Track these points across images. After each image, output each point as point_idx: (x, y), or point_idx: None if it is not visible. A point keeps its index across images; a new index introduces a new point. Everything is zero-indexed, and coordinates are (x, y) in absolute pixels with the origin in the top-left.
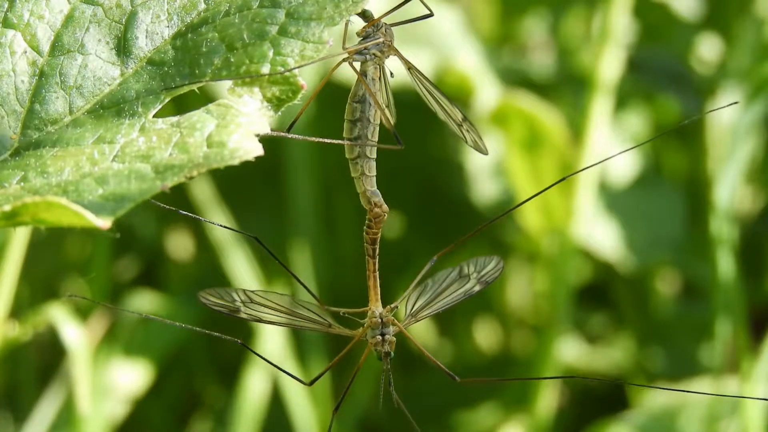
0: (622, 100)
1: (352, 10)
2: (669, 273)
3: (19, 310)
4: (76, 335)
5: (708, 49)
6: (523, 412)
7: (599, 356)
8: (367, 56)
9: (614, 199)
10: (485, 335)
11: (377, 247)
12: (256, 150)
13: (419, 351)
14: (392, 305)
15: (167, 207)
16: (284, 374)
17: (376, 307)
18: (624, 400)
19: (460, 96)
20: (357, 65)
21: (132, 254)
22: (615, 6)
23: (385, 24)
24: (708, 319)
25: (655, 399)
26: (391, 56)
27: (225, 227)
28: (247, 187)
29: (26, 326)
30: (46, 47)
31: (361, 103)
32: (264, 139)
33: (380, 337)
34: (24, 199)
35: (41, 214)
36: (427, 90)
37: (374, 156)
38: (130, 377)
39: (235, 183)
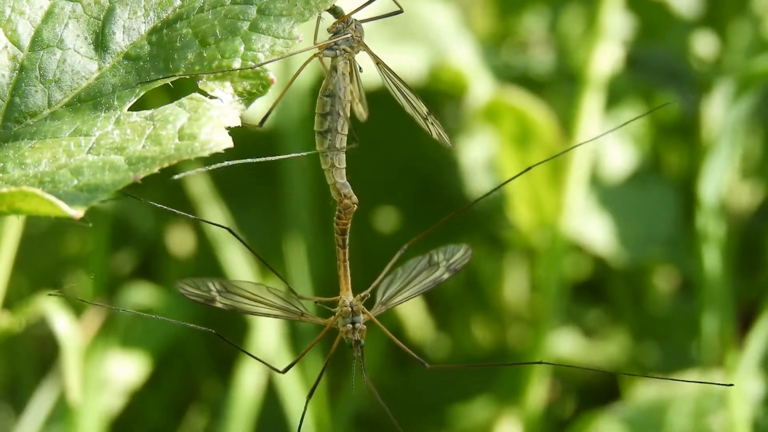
0: (619, 96)
1: (322, 6)
2: (664, 269)
3: (16, 304)
4: (68, 327)
5: (705, 46)
6: (517, 405)
7: (594, 350)
8: (337, 51)
9: (607, 195)
10: (482, 330)
11: (347, 237)
12: (226, 142)
13: (395, 339)
14: (362, 294)
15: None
16: (280, 362)
17: (346, 296)
18: (618, 394)
19: (453, 92)
20: (327, 61)
21: (130, 248)
22: (607, 2)
23: (355, 20)
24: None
25: (645, 392)
26: (360, 51)
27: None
28: (242, 183)
29: (18, 317)
30: (26, 42)
31: (331, 97)
32: (261, 136)
33: (351, 326)
34: (1, 189)
35: (17, 204)
36: (394, 85)
37: (344, 147)
38: (127, 370)
39: (231, 179)
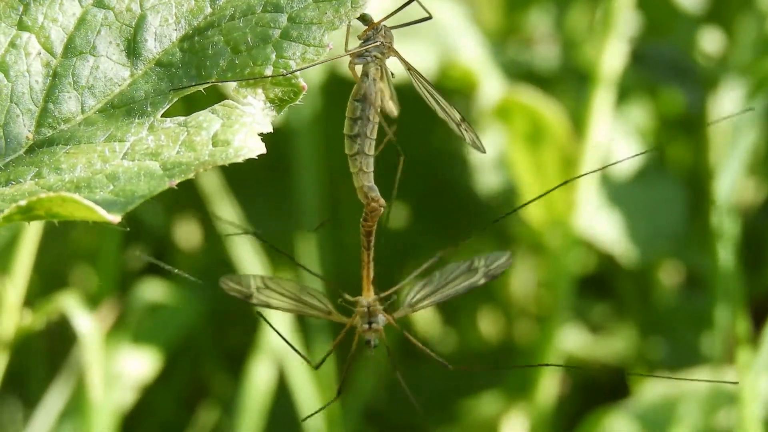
0: (626, 93)
1: (352, 14)
2: (671, 264)
3: (28, 299)
4: (88, 324)
5: (710, 42)
6: (525, 401)
7: (601, 346)
8: (368, 58)
9: (616, 191)
10: (489, 325)
11: (373, 239)
12: (259, 148)
13: (414, 341)
14: (383, 295)
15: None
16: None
17: (366, 296)
18: (626, 390)
19: (463, 89)
20: (359, 67)
21: (141, 244)
22: (613, 3)
23: (385, 26)
24: (709, 310)
25: (654, 388)
26: (391, 57)
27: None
28: (253, 178)
29: (39, 315)
30: (59, 49)
31: (362, 102)
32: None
33: (367, 326)
34: (39, 194)
35: (55, 209)
36: (426, 90)
37: (372, 153)
38: (138, 365)
39: (242, 175)
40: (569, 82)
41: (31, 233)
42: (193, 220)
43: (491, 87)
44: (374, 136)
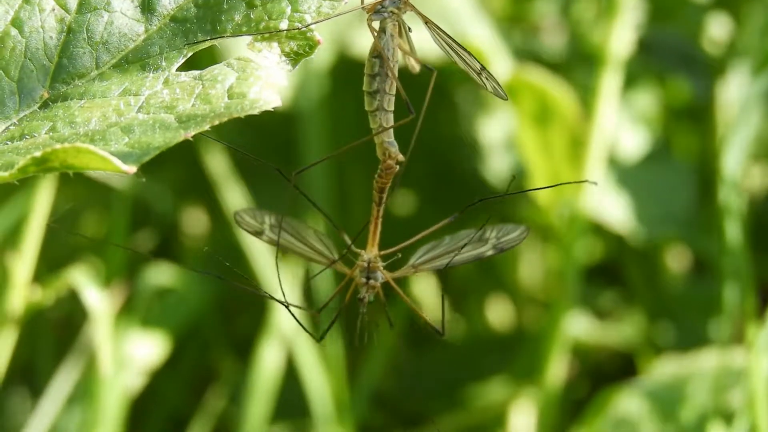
0: (633, 79)
1: None
2: (678, 249)
3: (39, 277)
4: (98, 299)
5: (718, 29)
6: (533, 386)
7: (609, 331)
8: (385, 13)
9: (624, 174)
10: (497, 311)
11: (384, 196)
12: (275, 101)
13: (408, 301)
14: (385, 252)
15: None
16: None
17: (369, 251)
18: (634, 374)
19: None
20: (376, 23)
21: (148, 228)
22: None
23: None
24: (717, 294)
25: (663, 369)
26: (408, 11)
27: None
28: (260, 155)
29: (48, 290)
30: (73, 5)
31: (380, 58)
32: (279, 113)
33: (364, 280)
34: (54, 146)
35: (70, 160)
36: (445, 42)
37: (392, 109)
38: (146, 350)
39: (249, 157)
40: (576, 69)
41: (40, 209)
42: (201, 205)
43: (500, 66)
44: (393, 91)
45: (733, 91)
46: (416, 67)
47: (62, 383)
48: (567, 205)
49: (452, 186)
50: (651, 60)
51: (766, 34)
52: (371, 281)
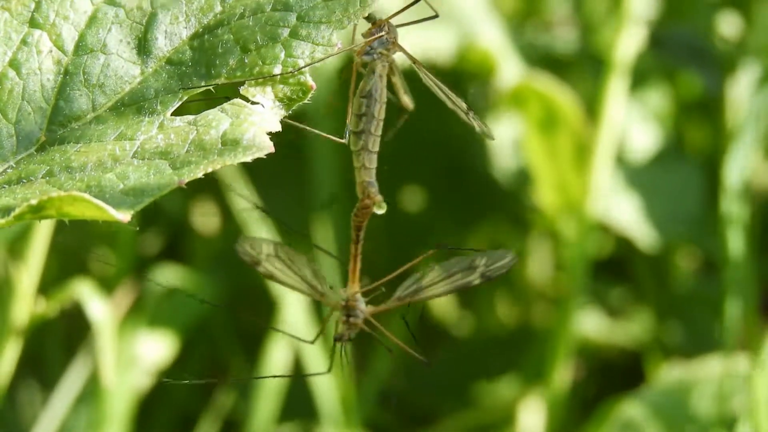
0: (644, 77)
1: (360, 13)
2: (688, 248)
3: (46, 284)
4: (102, 311)
5: (729, 25)
6: (542, 385)
7: (618, 330)
8: (374, 55)
9: (633, 175)
10: (506, 308)
11: (362, 234)
12: (268, 147)
13: (386, 335)
14: (365, 289)
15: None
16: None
17: (351, 288)
18: (642, 373)
19: (482, 73)
20: (366, 64)
21: (157, 228)
22: None
23: (389, 23)
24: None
25: (669, 374)
26: (397, 53)
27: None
28: (270, 163)
29: (53, 302)
30: (70, 47)
31: (368, 98)
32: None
33: (345, 318)
34: (50, 193)
35: (65, 208)
36: (433, 83)
37: (376, 150)
38: (155, 349)
39: (259, 159)
40: (588, 65)
41: (46, 226)
42: (211, 205)
43: (509, 71)
44: (379, 132)
45: (742, 90)
46: (410, 106)
47: (72, 379)
48: (573, 210)
49: (461, 186)
50: (662, 57)
51: None
52: (351, 318)
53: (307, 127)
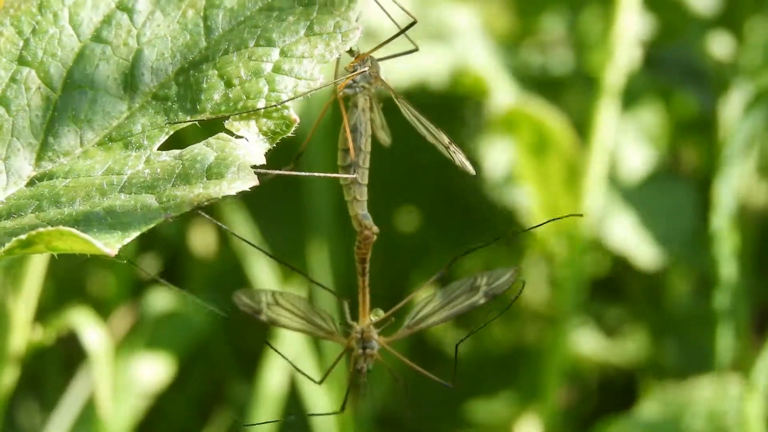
0: (638, 96)
1: (342, 48)
2: (684, 268)
3: (43, 308)
4: (98, 339)
5: (722, 45)
6: (538, 404)
7: (614, 349)
8: (357, 89)
9: (627, 196)
10: (501, 327)
11: (367, 266)
12: (252, 181)
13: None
14: (377, 320)
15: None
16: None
17: (363, 321)
18: (638, 391)
19: (474, 96)
20: (349, 98)
21: (155, 251)
22: (623, 5)
23: (371, 57)
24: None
25: (663, 394)
26: (378, 87)
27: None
28: (267, 190)
29: (49, 330)
30: (58, 83)
31: (353, 133)
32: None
33: (361, 351)
34: (39, 228)
35: (54, 242)
36: (414, 117)
37: (366, 182)
38: (153, 371)
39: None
40: (581, 85)
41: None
42: (208, 228)
43: (502, 95)
44: (367, 165)
45: (735, 109)
46: (387, 141)
47: (72, 400)
48: (565, 234)
49: (456, 208)
50: (656, 76)
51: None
52: (368, 350)
53: (316, 173)
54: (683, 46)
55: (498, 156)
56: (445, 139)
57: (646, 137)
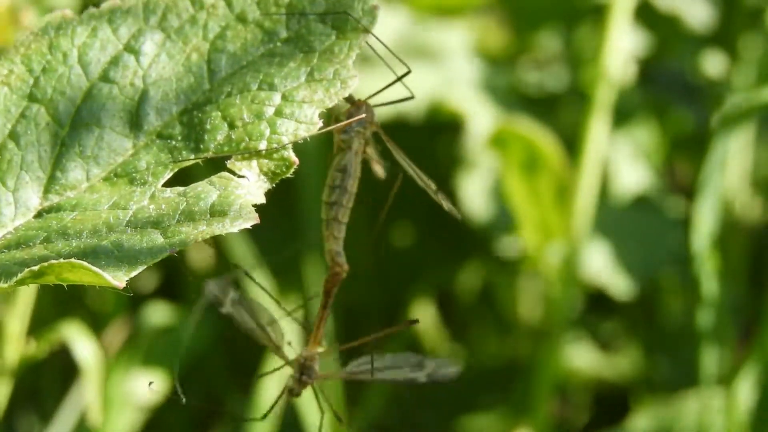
0: (633, 113)
1: (341, 94)
2: (676, 284)
3: (41, 322)
4: (90, 352)
5: (716, 61)
6: (530, 418)
7: (608, 364)
8: (352, 133)
9: (614, 218)
10: (496, 342)
11: (331, 300)
12: (253, 219)
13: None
14: (322, 351)
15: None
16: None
17: (311, 348)
18: (630, 407)
19: (455, 124)
20: (344, 142)
21: (152, 266)
22: (615, 24)
23: (368, 104)
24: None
25: (652, 408)
26: (373, 131)
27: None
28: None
29: (43, 343)
30: (66, 120)
31: (342, 173)
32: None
33: (297, 375)
34: (50, 260)
35: (65, 274)
36: (405, 162)
37: (346, 221)
38: (149, 385)
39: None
40: (577, 102)
41: None
42: (205, 246)
43: (479, 125)
44: (350, 205)
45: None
46: (382, 175)
47: (68, 411)
48: (555, 252)
49: (447, 223)
50: (650, 92)
51: (761, 68)
52: (304, 377)
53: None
54: (677, 62)
55: (477, 182)
56: (433, 186)
57: (641, 154)
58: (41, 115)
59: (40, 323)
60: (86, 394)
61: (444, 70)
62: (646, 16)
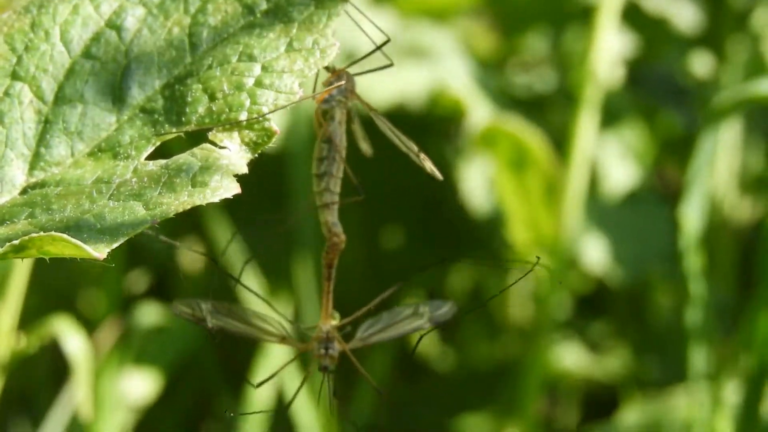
0: (621, 114)
1: (320, 63)
2: (666, 283)
3: (30, 321)
4: (80, 347)
5: (704, 63)
6: (519, 418)
7: (598, 364)
8: (333, 102)
9: (605, 214)
10: (486, 343)
11: (333, 271)
12: (234, 188)
13: (361, 368)
14: (338, 324)
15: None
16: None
17: (325, 323)
18: (617, 406)
19: (453, 116)
20: (325, 111)
21: (143, 266)
22: (602, 26)
23: (347, 73)
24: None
25: (640, 406)
26: (354, 101)
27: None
28: (252, 202)
29: (33, 338)
30: (50, 97)
31: (328, 143)
32: (269, 157)
33: (324, 351)
34: (31, 234)
35: (46, 247)
36: (387, 127)
37: (338, 191)
38: (141, 385)
39: (240, 199)
40: (565, 104)
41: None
42: (197, 244)
43: (478, 115)
44: (340, 174)
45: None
46: (369, 151)
47: (60, 411)
48: (546, 249)
49: (440, 221)
50: (638, 94)
51: (748, 70)
52: (330, 351)
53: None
54: (665, 64)
55: (477, 174)
56: (415, 148)
57: (629, 155)
58: (24, 92)
59: (29, 325)
60: (77, 393)
61: (438, 68)
62: (634, 18)
